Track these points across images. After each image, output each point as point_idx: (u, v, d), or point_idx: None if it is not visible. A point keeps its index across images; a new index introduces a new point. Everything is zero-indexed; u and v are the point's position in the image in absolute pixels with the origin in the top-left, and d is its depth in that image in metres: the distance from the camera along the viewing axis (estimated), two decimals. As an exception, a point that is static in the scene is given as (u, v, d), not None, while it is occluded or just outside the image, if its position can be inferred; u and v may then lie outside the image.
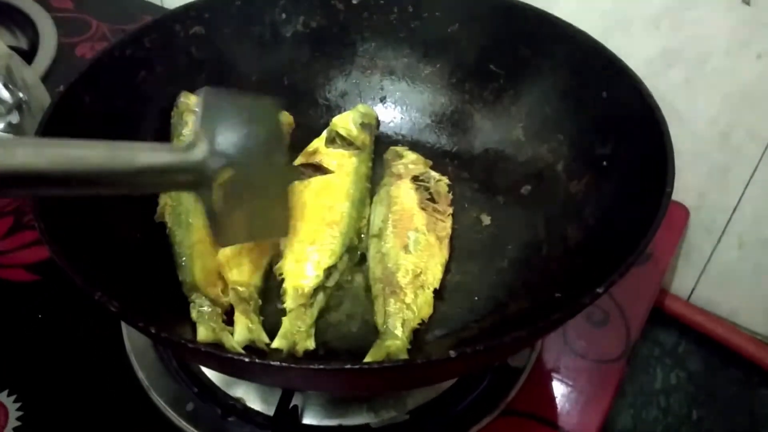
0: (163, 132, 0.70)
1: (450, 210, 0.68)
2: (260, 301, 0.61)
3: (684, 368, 0.87)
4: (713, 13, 0.73)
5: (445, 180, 0.70)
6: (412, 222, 0.64)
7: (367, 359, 0.55)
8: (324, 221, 0.65)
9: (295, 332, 0.58)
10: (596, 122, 0.66)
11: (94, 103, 0.63)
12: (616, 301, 0.75)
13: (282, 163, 0.60)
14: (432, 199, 0.68)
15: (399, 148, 0.73)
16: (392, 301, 0.58)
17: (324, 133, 0.74)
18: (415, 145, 0.77)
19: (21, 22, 1.06)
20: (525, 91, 0.72)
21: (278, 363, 0.40)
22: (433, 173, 0.70)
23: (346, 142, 0.72)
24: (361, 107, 0.76)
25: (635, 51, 0.70)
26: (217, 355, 0.43)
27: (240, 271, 0.61)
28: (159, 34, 0.69)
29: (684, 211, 0.85)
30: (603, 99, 0.65)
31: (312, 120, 0.79)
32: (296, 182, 0.69)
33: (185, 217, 0.64)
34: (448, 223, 0.67)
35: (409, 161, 0.71)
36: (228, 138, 0.51)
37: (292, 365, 0.41)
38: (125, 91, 0.67)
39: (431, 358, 0.41)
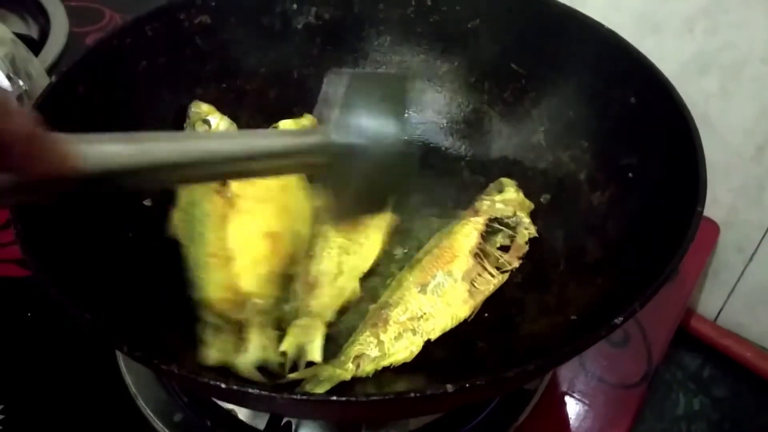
0: (162, 125, 0.67)
1: (515, 264, 0.61)
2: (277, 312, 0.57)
3: (708, 394, 0.82)
4: (752, 17, 0.68)
5: (533, 231, 0.63)
6: (449, 264, 0.58)
7: (294, 375, 0.51)
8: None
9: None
10: (623, 129, 0.61)
11: (90, 94, 0.60)
12: (638, 320, 0.70)
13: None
14: (504, 248, 0.62)
15: (505, 181, 0.66)
16: (367, 332, 0.54)
17: None
18: (427, 148, 0.73)
19: (33, 10, 1.04)
20: (548, 93, 0.68)
21: (257, 391, 0.36)
22: (525, 220, 0.63)
23: None
24: None
25: (667, 55, 0.66)
26: (193, 379, 0.39)
27: (257, 281, 0.57)
28: (162, 22, 0.65)
29: (714, 227, 0.80)
30: (631, 105, 0.61)
31: (322, 117, 0.75)
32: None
33: (198, 229, 0.60)
34: (497, 279, 0.59)
35: (502, 199, 0.64)
36: (359, 120, 0.51)
37: (273, 394, 0.37)
38: (124, 82, 0.64)
39: (426, 391, 0.37)
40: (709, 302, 0.87)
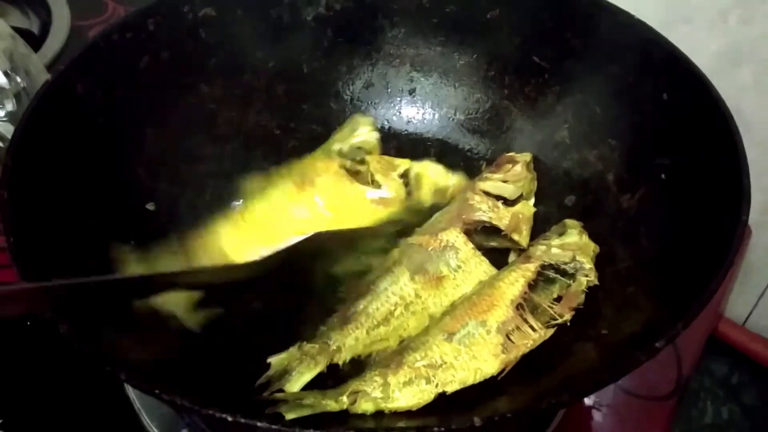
0: (165, 124, 0.63)
1: (566, 317, 0.53)
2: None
3: (738, 402, 0.79)
4: (792, 5, 0.65)
5: (593, 278, 0.54)
6: (484, 313, 0.53)
7: (279, 396, 0.48)
8: None
9: None
10: (654, 127, 0.58)
11: (89, 93, 0.57)
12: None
13: None
14: (559, 298, 0.55)
15: (570, 222, 0.59)
16: (375, 371, 0.50)
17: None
18: (444, 146, 0.70)
19: (34, 3, 1.01)
20: (573, 87, 0.65)
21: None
22: (587, 266, 0.55)
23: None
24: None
25: (698, 47, 0.62)
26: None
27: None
28: (164, 15, 0.62)
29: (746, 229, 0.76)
30: (663, 101, 0.58)
31: (333, 113, 0.72)
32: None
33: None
34: (537, 335, 0.52)
35: (560, 243, 0.56)
36: None
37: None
38: (125, 80, 0.61)
39: (451, 426, 0.34)
40: (737, 305, 0.84)
